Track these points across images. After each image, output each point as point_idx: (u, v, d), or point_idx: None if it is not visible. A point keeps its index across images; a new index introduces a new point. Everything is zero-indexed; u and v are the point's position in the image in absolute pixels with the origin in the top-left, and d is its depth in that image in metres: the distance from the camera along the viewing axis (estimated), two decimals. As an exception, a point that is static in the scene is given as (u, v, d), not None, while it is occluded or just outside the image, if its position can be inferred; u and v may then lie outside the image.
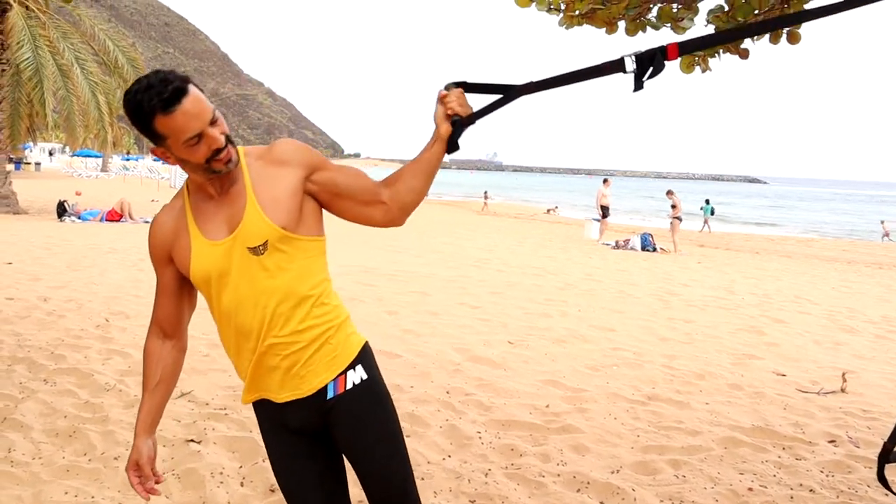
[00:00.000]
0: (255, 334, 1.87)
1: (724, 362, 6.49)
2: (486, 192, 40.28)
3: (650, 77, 1.83)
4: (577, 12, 3.65)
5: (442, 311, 8.12)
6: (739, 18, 3.42)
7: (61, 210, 18.19)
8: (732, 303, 10.05)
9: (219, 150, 1.79)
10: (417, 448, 4.09)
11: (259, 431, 2.09)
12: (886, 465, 1.97)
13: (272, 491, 3.44)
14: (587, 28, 4.03)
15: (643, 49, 1.81)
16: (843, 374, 5.85)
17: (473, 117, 1.98)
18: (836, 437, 4.64)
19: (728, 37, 2.47)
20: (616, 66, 1.83)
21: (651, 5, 3.66)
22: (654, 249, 17.99)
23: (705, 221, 29.85)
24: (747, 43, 3.66)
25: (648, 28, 3.87)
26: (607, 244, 19.14)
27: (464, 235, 19.94)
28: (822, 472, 4.07)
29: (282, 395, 1.93)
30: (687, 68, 3.84)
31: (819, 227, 39.85)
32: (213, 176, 1.85)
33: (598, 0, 3.63)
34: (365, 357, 2.00)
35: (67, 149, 54.30)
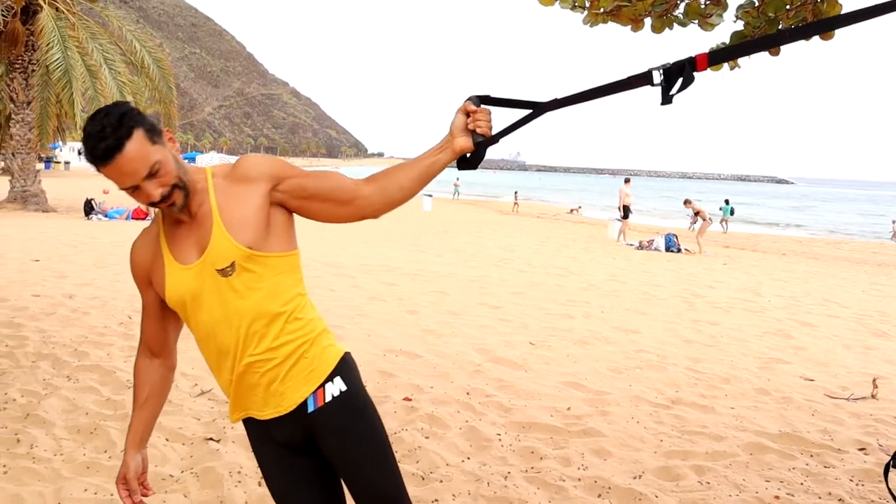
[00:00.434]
0: (232, 354, 1.88)
1: (750, 366, 6.37)
2: (516, 193, 40.19)
3: (680, 90, 1.77)
4: (601, 10, 3.58)
5: (463, 311, 8.08)
6: (770, 14, 3.34)
7: (88, 208, 18.42)
8: (759, 305, 9.89)
9: (156, 202, 1.80)
10: (436, 450, 4.05)
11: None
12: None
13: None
14: (612, 26, 3.97)
15: (671, 61, 1.75)
16: (874, 380, 5.72)
17: (497, 137, 1.92)
18: (867, 444, 4.53)
19: (760, 45, 2.38)
20: (643, 79, 1.78)
21: (678, 1, 3.59)
22: (679, 250, 17.80)
23: (724, 221, 29.52)
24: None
25: (675, 25, 3.80)
26: (631, 244, 18.97)
27: (486, 235, 19.87)
28: (851, 480, 3.97)
29: (265, 412, 1.94)
30: (715, 66, 3.76)
31: (844, 228, 39.19)
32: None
33: (623, -3, 3.56)
34: (344, 368, 1.98)
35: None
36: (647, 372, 5.97)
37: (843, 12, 3.24)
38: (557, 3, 3.54)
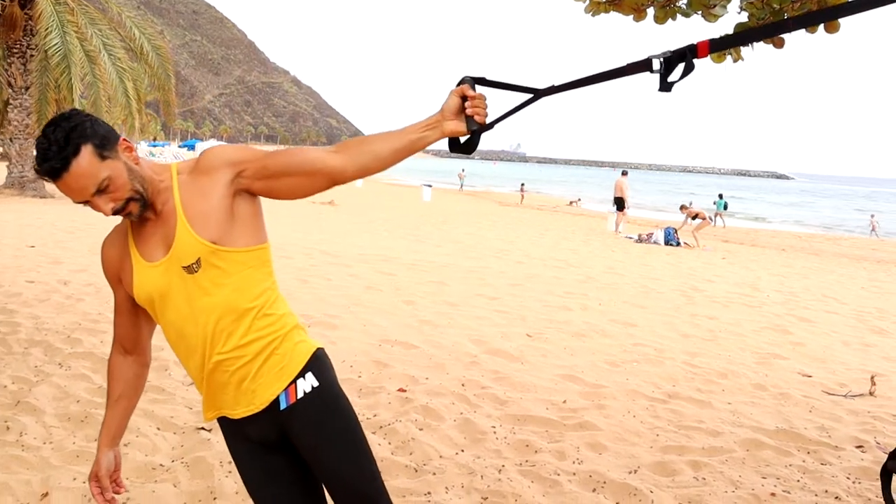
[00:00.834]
0: (200, 352, 1.86)
1: (747, 361, 6.34)
2: (522, 185, 40.24)
3: (681, 77, 1.72)
4: (605, -2, 3.52)
5: (460, 301, 8.04)
6: (775, 5, 3.28)
7: (86, 194, 18.31)
8: (757, 300, 9.86)
9: (112, 213, 1.78)
10: (430, 441, 4.01)
11: None
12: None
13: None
14: (613, 15, 3.91)
15: (672, 50, 1.70)
16: (872, 377, 5.68)
17: (492, 124, 1.86)
18: (864, 442, 4.49)
19: (762, 33, 2.34)
20: (642, 66, 1.73)
21: (681, -9, 3.52)
22: (678, 244, 17.76)
23: (717, 216, 29.53)
24: (781, 31, 3.52)
25: (678, 16, 3.74)
26: (630, 237, 18.93)
27: (485, 226, 19.82)
28: (848, 478, 3.93)
29: (237, 411, 1.91)
30: (718, 58, 3.70)
31: (842, 224, 39.17)
32: None
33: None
34: (316, 364, 1.94)
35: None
36: (644, 366, 5.94)
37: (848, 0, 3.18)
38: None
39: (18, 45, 19.36)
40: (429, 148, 1.97)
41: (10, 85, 19.70)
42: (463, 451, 3.97)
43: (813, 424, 4.78)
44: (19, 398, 4.30)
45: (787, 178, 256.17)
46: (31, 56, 19.55)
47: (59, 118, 1.73)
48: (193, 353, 1.87)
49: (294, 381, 1.89)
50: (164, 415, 4.16)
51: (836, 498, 3.65)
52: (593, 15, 3.88)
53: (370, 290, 8.33)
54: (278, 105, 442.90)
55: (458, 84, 1.86)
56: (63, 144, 1.68)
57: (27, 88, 19.66)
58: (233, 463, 3.55)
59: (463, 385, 5.06)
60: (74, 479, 3.34)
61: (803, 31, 3.66)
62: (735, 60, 3.90)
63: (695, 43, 1.70)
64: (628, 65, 1.76)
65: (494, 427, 4.32)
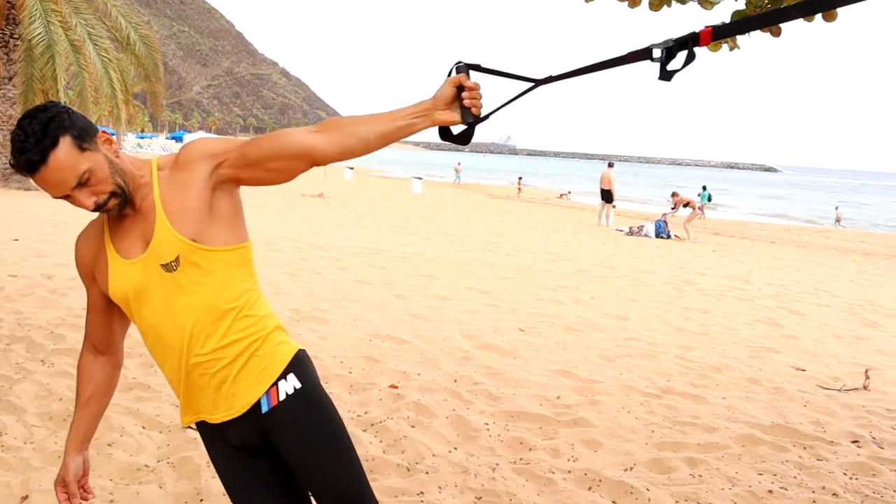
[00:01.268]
0: (177, 353, 1.78)
1: (741, 355, 6.29)
2: (520, 178, 40.19)
3: (683, 66, 1.66)
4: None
5: (451, 295, 7.96)
6: (774, -8, 3.20)
7: (72, 187, 18.10)
8: (749, 293, 9.83)
9: (93, 209, 1.71)
10: (422, 440, 3.93)
11: None
12: None
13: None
14: (609, 2, 3.82)
15: (673, 38, 1.64)
16: (866, 371, 5.64)
17: (488, 115, 1.78)
18: (860, 437, 4.45)
19: (765, 20, 2.24)
20: (641, 54, 1.67)
21: (678, -23, 3.44)
22: (669, 236, 17.74)
23: (700, 208, 29.64)
24: (780, 20, 3.44)
25: (674, 3, 3.66)
26: (621, 230, 18.89)
27: (475, 219, 19.74)
28: (845, 474, 3.88)
29: (216, 416, 1.83)
30: (714, 46, 3.62)
31: (828, 216, 39.35)
32: None
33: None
34: (298, 365, 1.87)
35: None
36: (637, 360, 5.88)
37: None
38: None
39: (1, 35, 19.07)
40: (418, 140, 1.88)
41: (-7, 75, 19.41)
42: (456, 448, 3.89)
43: (808, 419, 4.74)
44: (0, 397, 4.19)
45: (775, 170, 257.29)
46: (15, 46, 19.25)
47: (36, 110, 1.65)
48: (170, 354, 1.79)
49: (276, 383, 1.82)
50: (150, 413, 4.06)
51: (834, 494, 3.60)
52: (587, 1, 3.79)
53: (360, 283, 8.24)
54: (267, 97, 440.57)
55: (453, 70, 1.77)
56: (41, 136, 1.60)
57: (10, 79, 19.37)
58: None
59: (455, 381, 4.98)
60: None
61: (798, 20, 3.59)
62: (731, 49, 3.82)
63: (697, 30, 1.64)
64: (628, 53, 1.70)
65: (488, 424, 4.24)
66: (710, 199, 30.59)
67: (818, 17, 3.55)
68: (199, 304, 1.76)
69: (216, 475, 3.31)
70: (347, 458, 1.86)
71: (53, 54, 17.94)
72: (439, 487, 3.42)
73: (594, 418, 4.47)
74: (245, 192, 1.91)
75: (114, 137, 1.79)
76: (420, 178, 33.42)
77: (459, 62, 1.78)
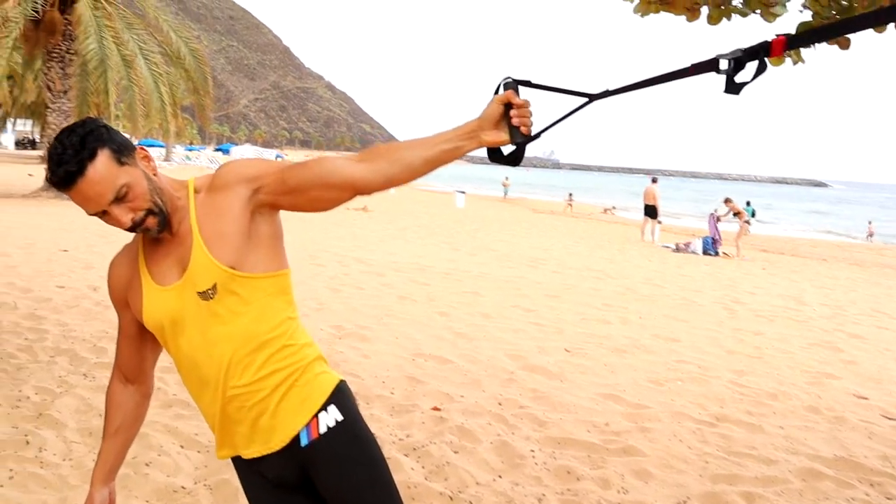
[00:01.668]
0: (213, 385, 1.69)
1: (798, 381, 6.02)
2: (570, 195, 39.81)
3: (753, 79, 1.51)
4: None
5: (495, 313, 7.81)
6: (843, 2, 3.02)
7: (121, 198, 18.44)
8: (803, 314, 9.47)
9: (129, 227, 1.63)
10: (466, 466, 3.79)
11: None
12: None
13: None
14: (664, 16, 3.68)
15: (743, 48, 1.49)
16: (935, 401, 5.33)
17: (539, 134, 1.65)
18: (932, 473, 4.17)
19: (847, 27, 2.05)
20: (707, 66, 1.52)
21: (740, -12, 3.27)
22: (716, 253, 17.33)
23: (747, 222, 29.06)
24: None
25: (734, 15, 3.49)
26: (667, 246, 18.53)
27: (519, 234, 19.56)
28: (918, 515, 3.63)
29: (250, 450, 1.74)
30: (777, 60, 3.44)
31: (883, 232, 38.26)
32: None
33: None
34: (339, 396, 1.77)
35: (134, 138, 55.72)
36: (688, 385, 5.65)
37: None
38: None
39: (57, 50, 19.57)
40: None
41: (49, 89, 19.93)
42: (500, 476, 3.74)
43: (874, 452, 4.47)
44: (41, 410, 4.17)
45: (824, 185, 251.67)
46: (71, 61, 19.76)
47: (74, 125, 1.60)
48: (206, 385, 1.71)
49: (316, 415, 1.72)
50: (189, 432, 3.99)
51: (907, 539, 3.36)
52: (642, 15, 3.65)
53: (404, 300, 8.15)
54: (312, 110, 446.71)
55: (500, 86, 1.64)
56: (79, 148, 1.54)
57: (65, 92, 19.87)
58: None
59: (500, 404, 4.83)
60: (93, 501, 3.18)
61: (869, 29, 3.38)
62: (795, 63, 3.64)
63: (769, 40, 1.49)
64: (693, 65, 1.55)
65: (533, 451, 4.08)
66: (753, 215, 30.04)
67: (890, 26, 3.35)
68: (237, 334, 1.67)
69: None
70: (388, 496, 1.76)
71: (106, 69, 18.37)
72: (483, 519, 3.27)
73: (645, 447, 4.27)
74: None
75: (151, 154, 1.71)
76: (463, 192, 33.37)
77: (507, 78, 1.65)
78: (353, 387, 2.03)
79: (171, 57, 20.61)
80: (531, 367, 5.74)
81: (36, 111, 39.36)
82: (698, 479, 3.89)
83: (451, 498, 3.45)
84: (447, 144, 1.63)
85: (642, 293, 10.18)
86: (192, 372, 1.72)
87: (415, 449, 3.99)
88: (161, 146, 61.61)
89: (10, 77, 32.19)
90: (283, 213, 1.77)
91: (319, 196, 1.68)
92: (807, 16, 3.37)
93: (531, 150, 1.93)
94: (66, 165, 1.53)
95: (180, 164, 54.30)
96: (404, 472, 3.62)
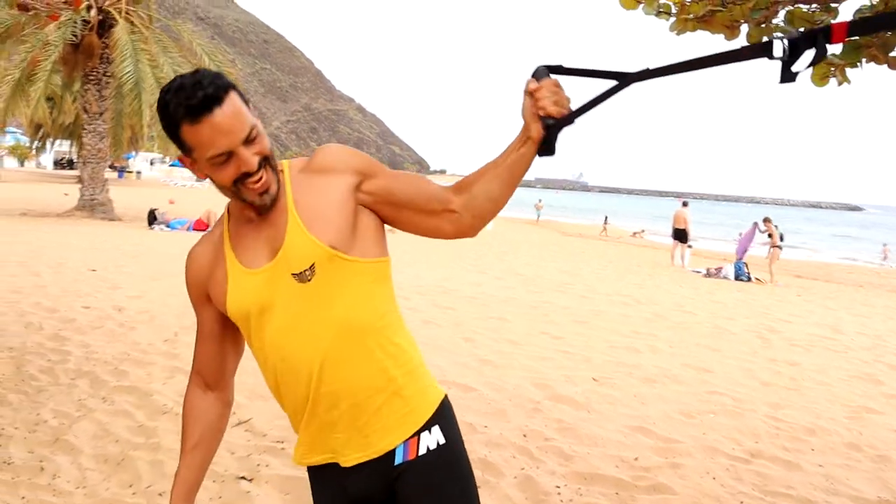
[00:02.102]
0: (306, 380, 1.52)
1: (837, 415, 5.77)
2: (606, 217, 39.79)
3: (811, 64, 1.36)
4: (691, 15, 3.17)
5: (522, 339, 7.65)
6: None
7: (151, 218, 18.65)
8: (841, 344, 9.17)
9: (248, 174, 1.48)
10: (487, 502, 3.64)
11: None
12: None
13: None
14: (700, 34, 3.55)
15: (798, 30, 1.35)
16: (984, 440, 5.06)
17: (571, 117, 1.52)
18: (984, 519, 3.93)
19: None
20: (759, 50, 1.36)
21: (780, 7, 3.14)
22: (749, 279, 16.98)
23: (779, 246, 28.71)
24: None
25: (777, 33, 3.36)
26: (698, 271, 18.20)
27: (547, 257, 19.38)
28: (971, 565, 3.40)
29: (349, 457, 1.58)
30: (821, 80, 3.29)
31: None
32: (244, 203, 1.54)
33: (717, 1, 3.14)
34: (443, 416, 1.63)
35: (167, 159, 56.60)
36: (721, 418, 5.44)
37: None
38: (641, 6, 3.14)
39: (94, 73, 19.95)
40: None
41: (85, 110, 20.30)
42: (524, 514, 3.59)
43: (920, 495, 4.24)
44: (58, 435, 4.11)
45: (859, 209, 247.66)
46: (107, 83, 20.12)
47: (193, 71, 1.48)
48: (296, 380, 1.54)
49: (418, 434, 1.58)
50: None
51: (960, 592, 3.13)
52: (679, 34, 3.52)
53: (427, 324, 8.02)
54: (343, 132, 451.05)
55: (531, 76, 1.56)
56: (215, 77, 1.43)
57: (101, 114, 20.20)
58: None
59: (525, 436, 4.67)
60: (103, 532, 3.09)
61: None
62: (840, 83, 3.48)
63: (829, 23, 1.33)
64: (744, 48, 1.40)
65: (559, 487, 3.92)
66: (782, 238, 29.70)
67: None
68: (336, 321, 1.52)
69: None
70: None
71: (141, 91, 18.65)
72: (506, 560, 3.12)
73: (675, 484, 4.08)
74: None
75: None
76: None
77: (539, 67, 1.55)
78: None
79: (204, 80, 20.86)
80: (558, 397, 5.57)
81: (74, 132, 40.21)
82: (733, 521, 3.70)
83: (472, 536, 3.30)
84: (510, 157, 1.58)
85: (673, 320, 9.95)
86: (280, 365, 1.56)
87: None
88: (190, 167, 62.50)
89: (49, 99, 32.97)
90: None
91: (419, 222, 1.62)
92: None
93: (560, 172, 1.82)
94: (204, 90, 1.41)
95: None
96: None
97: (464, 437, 3.66)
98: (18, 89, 18.41)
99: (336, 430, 1.57)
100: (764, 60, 1.36)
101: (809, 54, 1.34)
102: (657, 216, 67.27)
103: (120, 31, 18.97)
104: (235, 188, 1.49)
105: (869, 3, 2.91)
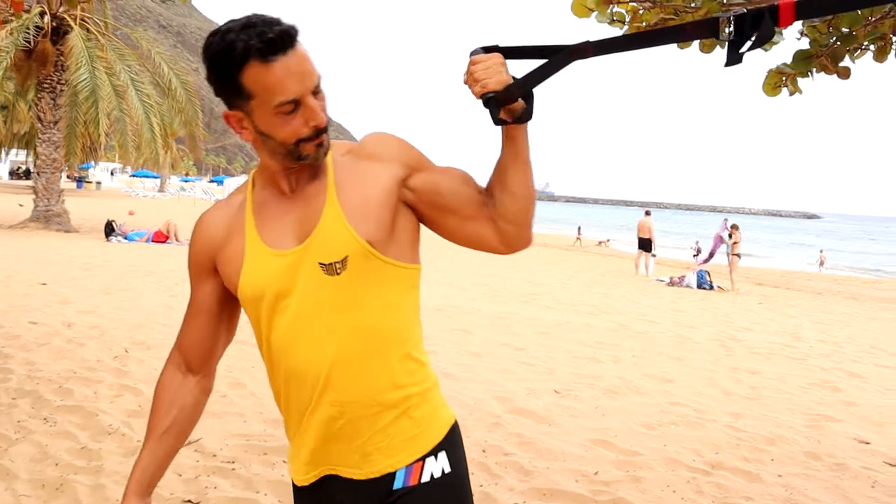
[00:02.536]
0: (312, 383, 1.39)
1: (796, 424, 5.77)
2: (579, 228, 40.16)
3: (753, 47, 1.28)
4: (644, 24, 3.13)
5: (484, 352, 7.56)
6: (844, 28, 2.86)
7: (109, 230, 18.24)
8: (800, 351, 9.25)
9: (318, 130, 1.33)
10: (444, 522, 3.53)
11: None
12: None
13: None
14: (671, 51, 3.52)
15: (745, 9, 1.27)
16: (941, 447, 5.10)
17: (513, 90, 1.37)
18: (941, 529, 3.93)
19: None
20: (705, 29, 1.28)
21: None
22: (711, 287, 17.14)
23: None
24: (848, 61, 3.09)
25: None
26: (661, 280, 18.34)
27: (514, 267, 19.32)
28: (929, 577, 3.38)
29: (343, 472, 1.45)
30: (772, 90, 3.27)
31: (875, 265, 38.33)
32: (295, 164, 1.38)
33: (669, 10, 3.10)
34: (452, 443, 1.49)
35: (128, 168, 55.71)
36: (682, 429, 5.40)
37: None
38: (594, 15, 3.09)
39: (49, 81, 19.49)
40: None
41: (39, 119, 19.82)
42: (481, 534, 3.49)
43: (878, 503, 4.23)
44: (-6, 459, 3.91)
45: (817, 217, 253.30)
46: (62, 91, 19.68)
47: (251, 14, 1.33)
48: (301, 382, 1.40)
49: (423, 459, 1.44)
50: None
51: None
52: (683, 48, 3.48)
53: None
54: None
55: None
56: (281, 20, 1.29)
57: (55, 123, 19.75)
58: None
59: (484, 451, 4.58)
60: (35, 564, 2.92)
61: (872, 58, 3.23)
62: (791, 93, 3.47)
63: (777, 3, 1.26)
64: (689, 24, 1.31)
65: (517, 504, 3.83)
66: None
67: (890, 56, 3.20)
68: (360, 324, 1.38)
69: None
70: None
71: (97, 99, 18.28)
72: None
73: (636, 499, 4.02)
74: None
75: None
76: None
77: (475, 49, 1.44)
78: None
79: (163, 88, 20.56)
80: (519, 411, 5.49)
81: (29, 141, 39.24)
82: (693, 536, 3.64)
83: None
84: (505, 147, 1.41)
85: (636, 329, 9.95)
86: (285, 360, 1.42)
87: (391, 502, 3.73)
88: (156, 177, 61.57)
89: (3, 107, 32.24)
90: None
91: (460, 228, 1.45)
92: (804, 43, 3.21)
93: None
94: (282, 26, 1.27)
95: (175, 195, 54.15)
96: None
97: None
98: (-31, 97, 17.94)
99: (337, 441, 1.43)
100: (720, 68, 1.28)
101: (755, 37, 1.26)
102: (622, 226, 67.89)
103: (75, 38, 18.57)
104: (296, 147, 1.34)
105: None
